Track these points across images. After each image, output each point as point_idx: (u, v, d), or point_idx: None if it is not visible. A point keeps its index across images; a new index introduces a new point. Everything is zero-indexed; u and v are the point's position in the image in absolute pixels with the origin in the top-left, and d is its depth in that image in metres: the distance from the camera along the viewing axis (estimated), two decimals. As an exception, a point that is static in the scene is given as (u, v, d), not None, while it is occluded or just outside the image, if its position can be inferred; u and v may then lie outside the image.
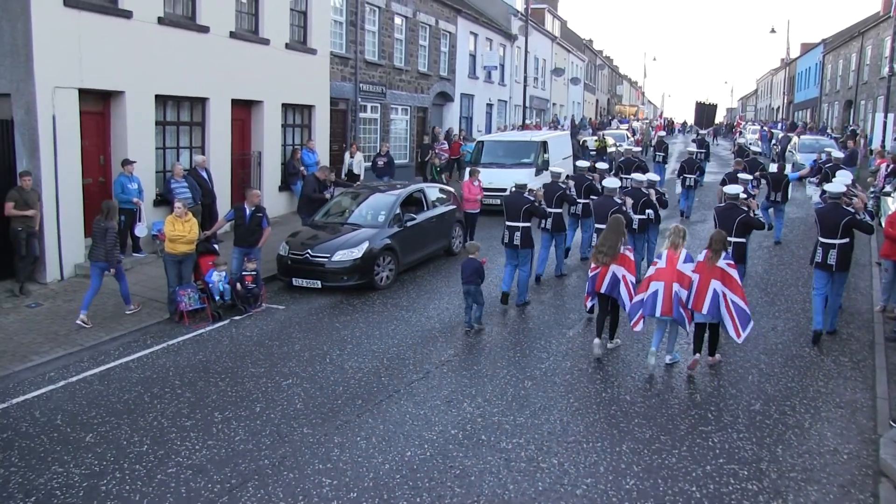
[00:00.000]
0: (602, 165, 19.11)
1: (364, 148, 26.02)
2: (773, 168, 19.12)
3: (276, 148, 21.14)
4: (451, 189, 18.24)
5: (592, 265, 10.89)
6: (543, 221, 14.61)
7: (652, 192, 14.72)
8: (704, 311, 9.80)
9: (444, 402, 9.08)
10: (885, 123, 33.88)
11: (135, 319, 12.33)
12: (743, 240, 12.43)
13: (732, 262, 10.00)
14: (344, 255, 13.89)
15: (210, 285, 12.88)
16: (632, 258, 10.87)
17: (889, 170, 22.95)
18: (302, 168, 21.02)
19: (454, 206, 17.46)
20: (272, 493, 7.00)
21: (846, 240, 11.17)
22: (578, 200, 16.03)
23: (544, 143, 24.27)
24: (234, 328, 12.15)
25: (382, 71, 27.76)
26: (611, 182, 14.24)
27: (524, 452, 7.78)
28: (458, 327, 12.01)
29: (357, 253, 13.94)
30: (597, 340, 10.77)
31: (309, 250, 14.10)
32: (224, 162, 18.78)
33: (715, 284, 9.74)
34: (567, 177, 16.89)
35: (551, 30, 55.08)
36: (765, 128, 52.14)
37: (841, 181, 12.90)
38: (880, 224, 16.85)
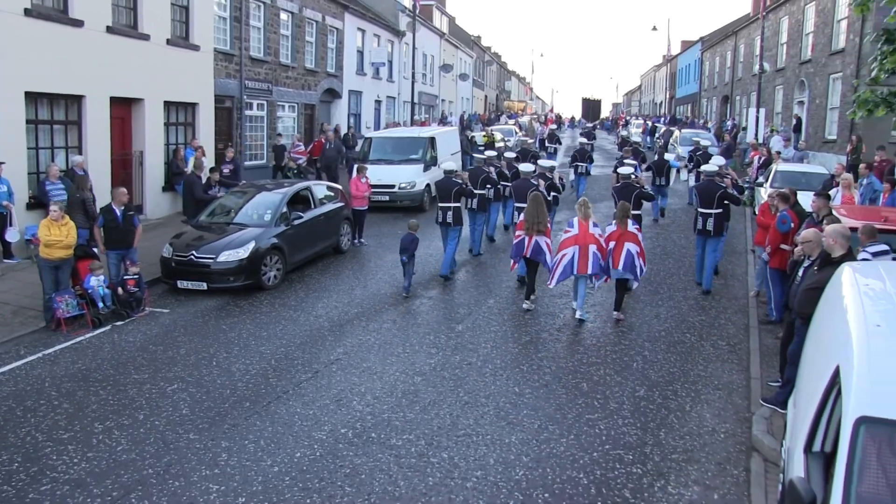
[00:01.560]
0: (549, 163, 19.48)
1: (251, 147, 25.51)
2: (655, 157, 21.55)
3: (158, 147, 20.49)
4: (339, 187, 18.10)
5: (518, 234, 12.86)
6: (470, 201, 16.24)
7: (555, 175, 16.52)
8: (620, 267, 11.97)
9: (333, 401, 9.00)
10: (757, 118, 35.45)
11: (5, 330, 11.71)
12: (639, 211, 14.97)
13: (639, 227, 12.64)
14: (230, 256, 13.59)
15: (89, 291, 12.36)
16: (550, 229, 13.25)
17: (762, 161, 24.14)
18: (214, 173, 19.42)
19: (342, 204, 17.33)
20: (157, 503, 6.79)
21: (720, 210, 13.68)
22: (475, 192, 16.53)
23: (432, 140, 24.35)
24: (116, 334, 11.71)
25: (268, 68, 27.28)
26: (526, 166, 16.39)
27: (414, 448, 7.80)
28: (347, 325, 11.94)
29: (243, 253, 13.66)
30: (527, 302, 12.95)
31: (194, 251, 13.73)
32: (103, 162, 18.06)
33: (629, 246, 11.96)
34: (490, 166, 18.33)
35: (439, 26, 55.34)
36: (648, 122, 53.92)
37: (714, 163, 16.06)
38: (754, 213, 17.72)
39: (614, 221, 12.37)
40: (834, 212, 11.21)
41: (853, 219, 11.30)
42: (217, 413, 8.70)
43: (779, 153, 24.29)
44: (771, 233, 11.90)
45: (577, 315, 12.28)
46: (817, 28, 32.77)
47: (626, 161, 19.77)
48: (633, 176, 15.35)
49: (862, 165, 16.97)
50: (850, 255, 7.96)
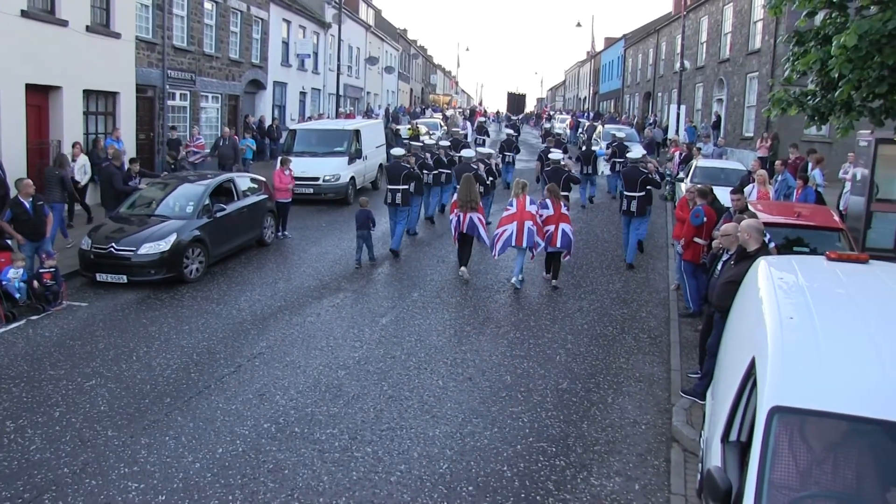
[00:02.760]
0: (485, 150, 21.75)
1: (182, 138, 24.87)
2: (582, 148, 23.18)
3: (77, 137, 19.74)
4: (263, 178, 17.82)
5: (455, 212, 14.26)
6: (412, 185, 17.07)
7: (492, 162, 19.17)
8: (559, 244, 13.63)
9: (256, 395, 8.86)
10: (678, 114, 36.25)
11: (-88, 323, 11.19)
12: (567, 193, 16.82)
13: (567, 207, 14.37)
14: (151, 248, 13.24)
15: (5, 284, 11.89)
16: (482, 206, 14.88)
17: (682, 157, 24.70)
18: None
19: (265, 196, 17.07)
20: (72, 503, 6.56)
21: (643, 193, 15.35)
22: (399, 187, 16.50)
23: (357, 132, 24.18)
24: (31, 329, 11.28)
25: (192, 57, 26.65)
26: (467, 152, 18.90)
27: (338, 442, 7.73)
28: (271, 319, 11.77)
29: (164, 245, 13.33)
30: (462, 269, 14.44)
31: (113, 244, 13.34)
32: (18, 152, 17.32)
33: (563, 226, 13.60)
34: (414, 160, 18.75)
35: (365, 18, 54.96)
36: (572, 117, 54.74)
37: (637, 151, 18.34)
38: (675, 208, 18.09)
39: (548, 201, 13.88)
40: (750, 207, 11.53)
41: (769, 214, 11.65)
42: (137, 409, 8.47)
43: (699, 149, 24.89)
44: (686, 226, 12.18)
45: (513, 282, 13.79)
46: (735, 28, 33.71)
47: (552, 149, 21.69)
48: (562, 161, 17.66)
49: (777, 162, 17.50)
50: (764, 249, 8.18)
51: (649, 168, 15.97)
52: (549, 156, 18.39)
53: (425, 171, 18.50)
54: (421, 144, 20.01)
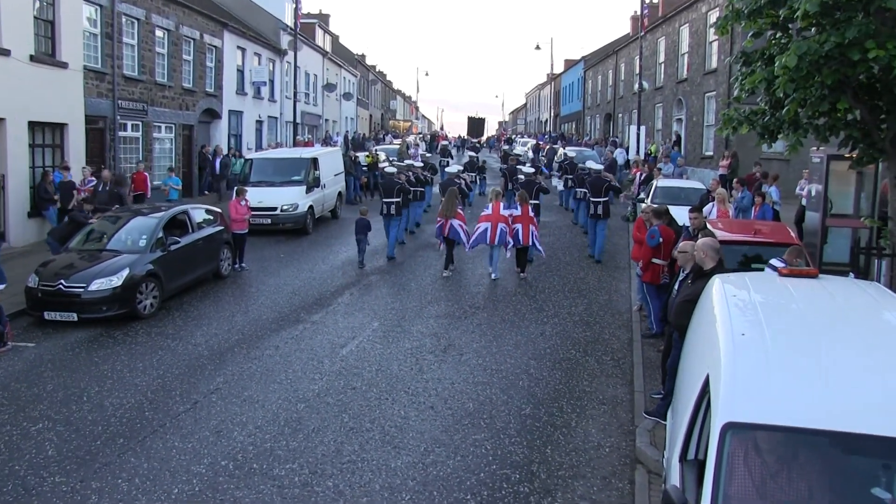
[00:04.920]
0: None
1: (126, 170, 24.66)
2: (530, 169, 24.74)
3: (23, 170, 19.61)
4: (219, 210, 17.77)
5: (439, 219, 17.31)
6: (389, 207, 19.28)
7: (465, 177, 24.30)
8: (530, 243, 16.40)
9: (213, 432, 8.80)
10: (638, 135, 36.79)
11: None
12: (538, 201, 19.87)
13: (533, 215, 17.13)
14: (102, 284, 13.12)
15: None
16: (463, 214, 17.61)
17: (642, 178, 25.08)
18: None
19: (221, 227, 17.03)
20: (18, 550, 6.47)
21: (606, 198, 18.70)
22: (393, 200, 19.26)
23: (315, 160, 24.23)
24: (-25, 371, 11.10)
25: (143, 87, 26.54)
26: (452, 168, 24.42)
27: (297, 477, 7.71)
28: (228, 353, 11.70)
29: (117, 281, 13.22)
30: (445, 272, 17.22)
31: (63, 280, 13.18)
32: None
33: (531, 228, 16.41)
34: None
35: (322, 45, 55.18)
36: (537, 141, 55.42)
37: (592, 162, 24.11)
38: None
39: (520, 205, 16.78)
40: (709, 225, 11.75)
41: (727, 232, 11.90)
42: (87, 452, 8.36)
43: (659, 169, 25.30)
44: (643, 247, 12.38)
45: (493, 276, 16.68)
46: (692, 49, 34.41)
47: (518, 166, 25.62)
48: (535, 175, 21.86)
49: (735, 180, 17.84)
50: (720, 267, 8.36)
51: (610, 177, 20.00)
52: (524, 168, 23.80)
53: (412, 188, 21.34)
54: (407, 164, 23.81)
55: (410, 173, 22.60)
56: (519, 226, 16.36)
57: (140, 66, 26.32)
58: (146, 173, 23.92)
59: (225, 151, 32.24)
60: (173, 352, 11.84)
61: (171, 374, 10.82)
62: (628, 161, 36.49)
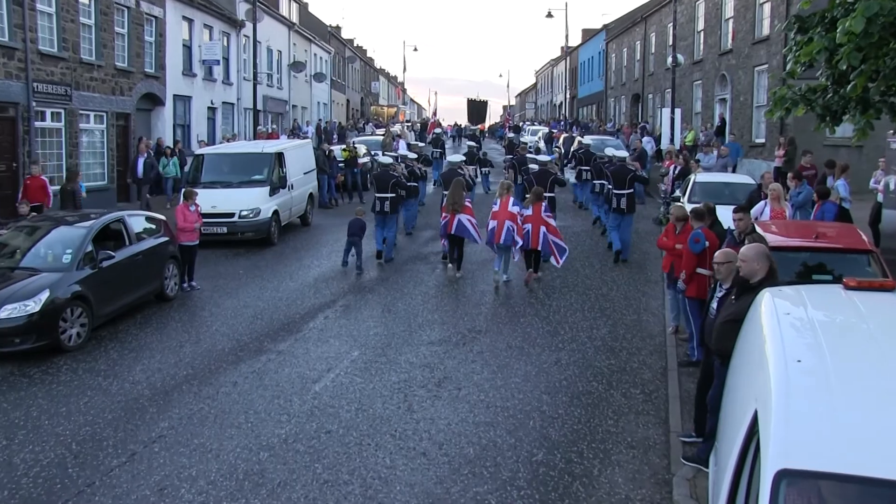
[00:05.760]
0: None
1: (45, 168, 24.56)
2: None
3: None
4: (163, 217, 17.78)
5: (444, 214, 18.25)
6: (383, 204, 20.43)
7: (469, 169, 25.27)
8: (539, 247, 17.14)
9: (154, 490, 8.78)
10: (672, 120, 36.39)
11: None
12: (553, 194, 20.79)
13: (550, 214, 17.86)
14: (14, 311, 13.06)
15: None
16: (471, 208, 18.57)
17: (677, 171, 25.08)
18: None
19: (166, 239, 17.07)
20: None
21: (631, 190, 19.85)
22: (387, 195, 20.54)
23: (280, 155, 24.32)
24: None
25: (66, 66, 26.49)
26: (454, 157, 25.28)
27: (258, 544, 7.70)
28: (175, 392, 11.68)
29: (34, 306, 13.19)
30: (450, 266, 18.78)
31: (-36, 307, 13.18)
32: None
33: (543, 230, 16.99)
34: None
35: (288, 15, 55.39)
36: (545, 128, 55.63)
37: (612, 149, 25.02)
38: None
39: (530, 205, 17.48)
40: (758, 228, 11.74)
41: (781, 236, 11.91)
42: (-8, 524, 8.33)
43: (697, 161, 25.33)
44: (685, 255, 12.37)
45: (504, 279, 17.64)
46: (738, 13, 34.43)
47: (528, 156, 26.96)
48: (548, 163, 22.63)
49: (789, 175, 17.82)
50: (772, 279, 8.31)
51: (636, 165, 21.82)
52: (539, 157, 24.68)
53: (403, 188, 21.64)
54: (402, 156, 25.82)
55: (403, 165, 23.81)
56: (529, 226, 17.05)
57: (61, 41, 26.26)
58: (45, 178, 22.27)
59: (170, 145, 32.21)
60: (106, 392, 11.81)
61: (102, 419, 10.78)
62: (659, 151, 36.47)
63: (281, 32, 52.72)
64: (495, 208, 17.44)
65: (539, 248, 17.23)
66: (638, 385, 11.90)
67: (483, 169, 33.67)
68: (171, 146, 32.42)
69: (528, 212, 17.30)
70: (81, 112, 27.83)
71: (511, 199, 17.39)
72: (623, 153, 23.85)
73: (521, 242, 17.01)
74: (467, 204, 18.35)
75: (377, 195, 20.51)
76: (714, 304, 9.39)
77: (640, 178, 21.00)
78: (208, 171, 23.87)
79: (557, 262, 17.40)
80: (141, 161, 27.94)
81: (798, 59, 10.26)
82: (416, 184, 24.12)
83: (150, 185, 28.52)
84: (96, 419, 10.78)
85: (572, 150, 32.81)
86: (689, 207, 14.25)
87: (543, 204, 17.65)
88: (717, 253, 9.85)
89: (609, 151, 24.16)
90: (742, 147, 31.48)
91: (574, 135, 41.87)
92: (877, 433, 4.59)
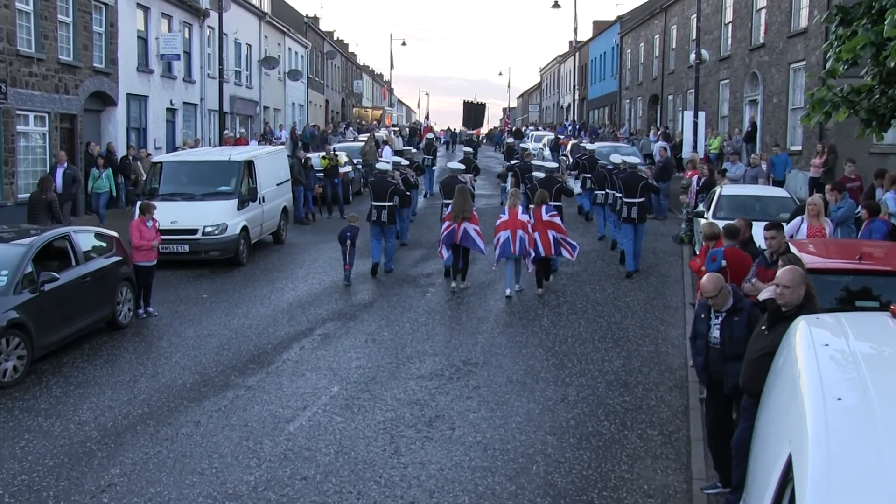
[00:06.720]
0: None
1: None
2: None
3: None
4: (114, 234, 17.77)
5: (447, 223, 19.18)
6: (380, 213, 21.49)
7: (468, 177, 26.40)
8: (553, 254, 18.83)
9: (104, 546, 8.78)
10: (695, 124, 36.17)
11: None
12: (560, 203, 22.02)
13: (555, 213, 19.41)
14: (-60, 342, 13.13)
15: None
16: (477, 217, 19.85)
17: (701, 183, 25.13)
18: None
19: (119, 258, 17.07)
20: None
21: (643, 199, 20.95)
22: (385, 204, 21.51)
23: (250, 164, 24.40)
24: None
25: None
26: (454, 164, 26.68)
27: None
28: (127, 434, 11.66)
29: (-37, 336, 13.23)
30: (453, 283, 19.60)
31: None
32: None
33: (551, 233, 18.55)
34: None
35: (258, 4, 55.39)
36: (551, 134, 55.87)
37: (617, 156, 25.60)
38: (695, 252, 18.44)
39: (533, 207, 19.19)
40: (793, 248, 11.72)
41: (822, 257, 11.91)
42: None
43: (724, 171, 25.37)
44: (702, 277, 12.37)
45: (517, 288, 18.99)
46: (771, 2, 34.49)
47: (533, 164, 27.72)
48: (555, 171, 24.47)
49: (828, 187, 17.81)
50: (810, 306, 8.33)
51: (647, 173, 23.47)
52: (545, 163, 26.49)
53: (396, 197, 22.40)
54: (396, 163, 26.30)
55: (398, 172, 24.71)
56: (536, 234, 18.43)
57: (-7, 30, 26.15)
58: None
59: (123, 152, 31.96)
60: (47, 434, 11.78)
61: (42, 466, 10.73)
62: (679, 160, 36.53)
63: (251, 23, 52.84)
64: (504, 217, 18.73)
65: (552, 255, 18.75)
66: (656, 425, 11.91)
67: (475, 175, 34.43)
68: (103, 155, 31.20)
69: (529, 218, 18.72)
70: (19, 112, 27.59)
71: (520, 209, 18.70)
72: (636, 159, 26.17)
73: (533, 254, 18.27)
74: (474, 213, 19.44)
75: (374, 203, 21.39)
76: (716, 334, 9.45)
77: (652, 188, 22.25)
78: (167, 181, 23.88)
79: (571, 256, 19.33)
80: (60, 172, 26.99)
81: (840, 56, 10.20)
82: (408, 192, 24.98)
83: (72, 203, 27.71)
84: (34, 466, 10.74)
85: (577, 157, 33.38)
86: (721, 224, 14.20)
87: (544, 207, 19.02)
88: (704, 279, 9.86)
89: (615, 158, 25.13)
90: (760, 152, 31.52)
91: (582, 141, 41.85)
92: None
